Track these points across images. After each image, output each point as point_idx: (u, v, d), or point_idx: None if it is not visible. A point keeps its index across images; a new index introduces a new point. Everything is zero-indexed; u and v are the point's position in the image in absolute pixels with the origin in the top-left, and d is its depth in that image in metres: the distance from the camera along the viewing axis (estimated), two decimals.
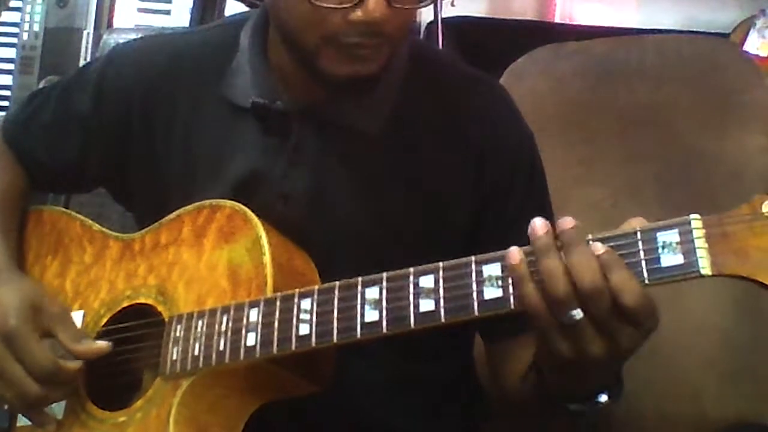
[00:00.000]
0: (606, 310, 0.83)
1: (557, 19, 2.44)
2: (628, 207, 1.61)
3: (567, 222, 0.85)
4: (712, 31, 2.13)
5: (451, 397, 1.27)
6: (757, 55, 2.02)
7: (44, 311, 1.11)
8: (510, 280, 0.87)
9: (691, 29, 2.14)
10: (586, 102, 1.74)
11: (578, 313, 0.83)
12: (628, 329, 0.85)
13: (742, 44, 2.07)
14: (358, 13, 0.98)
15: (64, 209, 1.31)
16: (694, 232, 0.82)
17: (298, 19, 1.03)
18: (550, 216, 1.21)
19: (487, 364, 1.25)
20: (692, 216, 0.83)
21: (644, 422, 1.48)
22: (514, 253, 0.87)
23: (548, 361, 0.92)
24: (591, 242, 0.85)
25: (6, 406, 1.15)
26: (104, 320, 1.16)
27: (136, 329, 1.14)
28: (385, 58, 1.06)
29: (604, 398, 0.96)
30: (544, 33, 2.26)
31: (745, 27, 2.07)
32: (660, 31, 2.01)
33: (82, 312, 1.18)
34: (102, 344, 1.11)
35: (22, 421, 1.15)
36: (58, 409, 1.13)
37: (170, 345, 1.06)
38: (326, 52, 1.02)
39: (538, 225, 0.86)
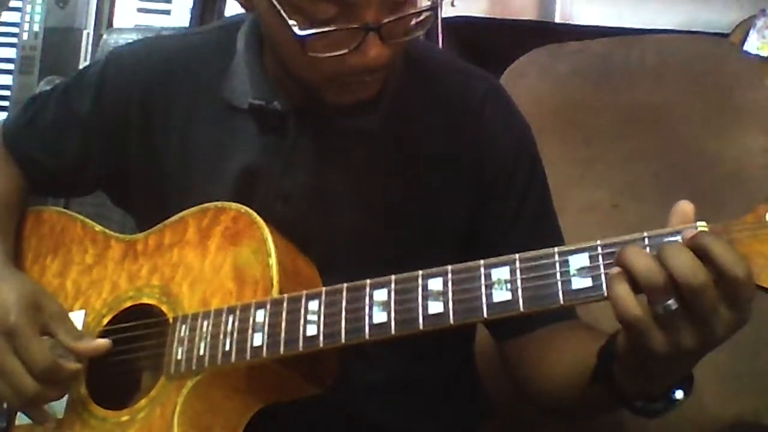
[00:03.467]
0: (705, 294, 0.79)
1: (557, 19, 2.44)
2: (628, 207, 1.62)
3: (686, 233, 0.82)
4: (712, 31, 2.13)
5: (451, 397, 1.27)
6: (757, 55, 2.02)
7: (44, 309, 1.10)
8: (519, 283, 0.87)
9: (691, 29, 2.13)
10: (586, 102, 1.75)
11: (673, 303, 0.80)
12: (724, 312, 0.80)
13: (742, 44, 2.06)
14: (357, 58, 0.99)
15: (64, 210, 1.31)
16: None
17: (296, 63, 1.04)
18: (551, 210, 1.22)
19: (503, 364, 1.22)
20: (699, 223, 0.83)
21: (644, 421, 1.49)
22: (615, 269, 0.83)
23: (637, 360, 0.86)
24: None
25: (5, 405, 1.15)
26: (106, 320, 1.16)
27: (138, 329, 1.14)
28: (384, 81, 1.08)
29: (680, 394, 0.90)
30: (544, 33, 2.26)
31: (745, 27, 2.06)
32: (660, 31, 2.00)
33: (83, 311, 1.18)
34: (101, 342, 1.10)
35: (20, 420, 1.15)
36: (59, 407, 1.13)
37: (175, 345, 1.06)
38: (328, 88, 1.05)
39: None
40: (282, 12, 0.98)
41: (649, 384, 0.89)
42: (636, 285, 0.81)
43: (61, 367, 1.07)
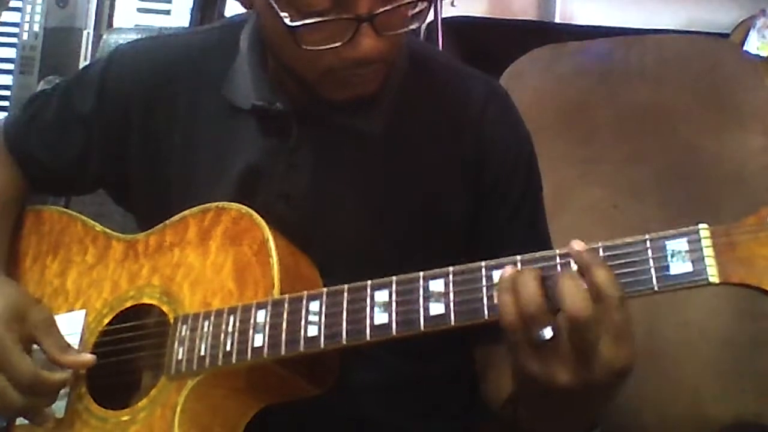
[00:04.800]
0: (583, 324, 0.82)
1: (557, 19, 2.45)
2: (628, 207, 1.62)
3: (575, 245, 0.86)
4: (712, 31, 2.13)
5: (451, 397, 1.27)
6: (757, 55, 2.02)
7: (28, 319, 1.09)
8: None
9: (691, 29, 2.14)
10: (586, 102, 1.75)
11: (548, 332, 0.83)
12: (603, 348, 0.82)
13: (742, 44, 2.07)
14: (351, 51, 0.99)
15: (64, 209, 1.31)
16: (703, 241, 0.83)
17: (292, 57, 1.05)
18: (542, 216, 1.22)
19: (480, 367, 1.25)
20: (701, 225, 0.84)
21: (644, 422, 1.49)
22: (507, 268, 0.87)
23: (521, 382, 0.91)
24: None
25: None
26: (107, 320, 1.16)
27: (139, 329, 1.14)
28: (383, 77, 1.08)
29: None
30: (544, 33, 2.26)
31: (745, 27, 2.07)
32: (660, 31, 2.01)
33: (84, 311, 1.18)
34: (86, 357, 1.10)
35: (21, 420, 1.14)
36: (59, 407, 1.12)
37: (176, 345, 1.06)
38: (325, 83, 1.05)
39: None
40: (275, 5, 0.98)
41: (545, 422, 0.94)
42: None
43: (46, 378, 1.06)
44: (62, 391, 1.11)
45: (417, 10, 1.02)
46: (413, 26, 1.03)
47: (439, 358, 1.21)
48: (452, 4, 2.39)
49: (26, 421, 1.13)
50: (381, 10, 0.97)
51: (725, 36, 2.11)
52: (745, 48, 2.05)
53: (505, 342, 0.87)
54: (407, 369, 1.19)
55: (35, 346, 1.09)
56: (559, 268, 0.86)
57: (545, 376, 0.85)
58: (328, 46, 0.98)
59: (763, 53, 2.03)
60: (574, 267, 0.86)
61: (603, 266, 0.83)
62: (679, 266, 0.83)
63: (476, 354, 1.22)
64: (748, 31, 2.04)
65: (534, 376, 0.85)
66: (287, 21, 0.97)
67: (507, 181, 1.17)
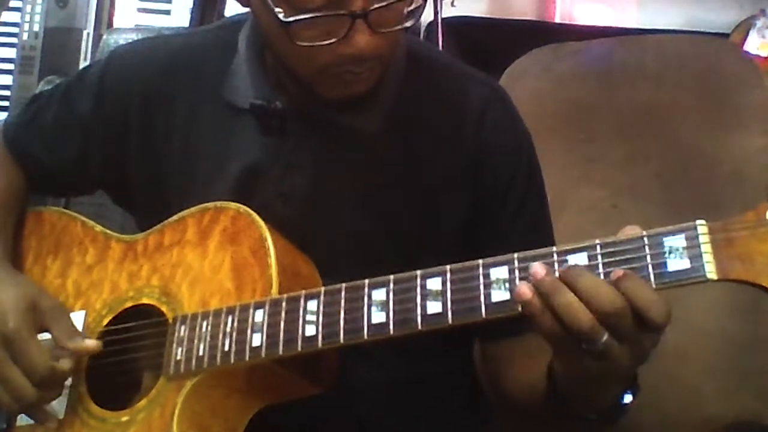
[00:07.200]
0: (629, 325, 0.83)
1: (557, 19, 2.45)
2: (628, 207, 1.62)
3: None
4: (712, 31, 2.14)
5: (452, 399, 1.27)
6: (757, 55, 2.02)
7: (40, 308, 1.10)
8: (518, 283, 0.87)
9: (691, 29, 2.14)
10: (586, 102, 1.74)
11: (605, 337, 0.83)
12: (649, 335, 0.84)
13: (742, 44, 2.07)
14: (346, 47, 0.99)
15: (64, 210, 1.31)
16: (701, 237, 0.83)
17: (289, 55, 1.05)
18: (547, 219, 1.22)
19: (483, 365, 1.25)
20: (698, 221, 0.83)
21: (645, 422, 1.49)
22: (524, 288, 0.85)
23: (574, 378, 0.91)
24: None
25: (4, 408, 1.15)
26: (106, 320, 1.16)
27: (138, 329, 1.14)
28: (379, 75, 1.07)
29: (629, 398, 0.94)
30: (544, 33, 2.26)
31: (745, 27, 2.08)
32: (660, 31, 2.01)
33: (83, 312, 1.18)
34: (92, 342, 1.10)
35: (21, 421, 1.14)
36: (59, 408, 1.12)
37: (174, 345, 1.06)
38: (321, 80, 1.05)
39: (538, 268, 0.85)
40: (269, 0, 0.98)
41: (596, 399, 0.93)
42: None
43: (59, 370, 1.07)
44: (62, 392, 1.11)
45: (412, 7, 1.02)
46: (408, 24, 1.03)
47: (440, 360, 1.21)
48: (452, 4, 2.39)
49: (27, 423, 1.13)
50: (375, 6, 0.97)
51: (725, 36, 2.11)
52: (745, 48, 2.06)
53: (556, 354, 0.89)
54: (408, 369, 1.19)
55: (41, 336, 1.10)
56: (556, 265, 0.86)
57: (605, 369, 0.85)
58: (322, 43, 0.99)
59: (763, 53, 2.03)
60: (575, 261, 0.86)
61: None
62: (677, 263, 0.83)
63: (487, 351, 1.22)
64: (748, 31, 2.04)
65: (594, 373, 0.86)
66: (281, 16, 0.97)
67: (507, 183, 1.17)
